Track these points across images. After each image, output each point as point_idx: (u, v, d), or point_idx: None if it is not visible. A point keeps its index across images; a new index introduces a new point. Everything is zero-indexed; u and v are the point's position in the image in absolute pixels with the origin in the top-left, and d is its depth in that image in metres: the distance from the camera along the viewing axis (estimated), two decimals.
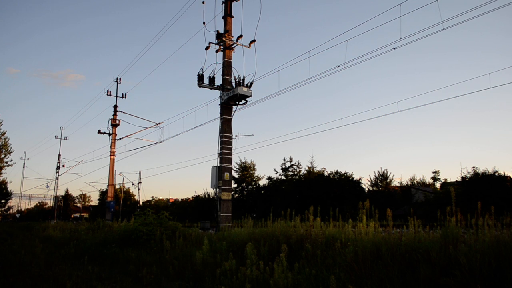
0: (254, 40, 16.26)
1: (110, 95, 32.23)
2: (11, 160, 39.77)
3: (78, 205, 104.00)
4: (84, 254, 10.68)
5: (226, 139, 15.57)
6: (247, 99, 15.43)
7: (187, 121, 66.57)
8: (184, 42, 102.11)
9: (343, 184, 41.61)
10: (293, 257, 6.76)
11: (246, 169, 50.55)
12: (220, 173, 15.27)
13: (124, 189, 65.26)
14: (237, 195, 49.27)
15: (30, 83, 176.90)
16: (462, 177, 33.26)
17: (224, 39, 15.89)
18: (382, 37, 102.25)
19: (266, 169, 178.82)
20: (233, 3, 16.50)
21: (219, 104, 15.97)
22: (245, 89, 15.04)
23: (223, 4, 16.46)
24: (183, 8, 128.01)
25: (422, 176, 54.19)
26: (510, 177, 30.19)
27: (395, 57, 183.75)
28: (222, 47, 16.10)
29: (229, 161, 15.56)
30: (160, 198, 74.54)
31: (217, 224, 14.97)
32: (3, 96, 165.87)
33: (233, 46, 16.19)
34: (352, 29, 57.10)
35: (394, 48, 13.16)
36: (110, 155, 31.14)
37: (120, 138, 31.60)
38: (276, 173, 48.08)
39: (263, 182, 49.71)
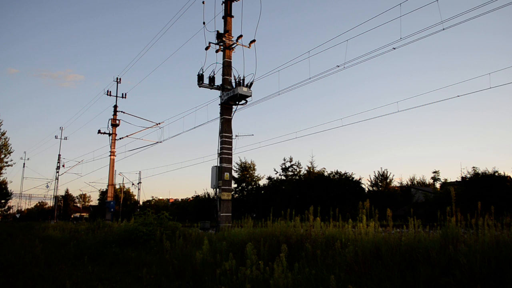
0: (254, 40, 16.28)
1: (110, 95, 32.25)
2: (11, 160, 39.68)
3: (78, 205, 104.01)
4: (84, 254, 10.68)
5: (226, 139, 15.57)
6: (247, 99, 15.44)
7: (187, 121, 66.53)
8: (184, 42, 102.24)
9: (343, 184, 41.58)
10: (293, 257, 6.76)
11: (246, 169, 50.53)
12: (220, 173, 15.27)
13: (124, 189, 65.32)
14: (237, 195, 49.26)
15: (29, 83, 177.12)
16: (462, 177, 33.27)
17: (224, 39, 15.89)
18: (382, 37, 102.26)
19: (266, 169, 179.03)
20: (233, 3, 16.51)
21: (219, 104, 15.97)
22: (245, 89, 15.05)
23: (223, 4, 16.46)
24: (183, 8, 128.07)
25: (422, 176, 54.32)
26: (510, 177, 30.17)
27: (395, 57, 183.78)
28: (222, 47, 16.10)
29: (229, 161, 15.56)
30: (160, 198, 74.68)
31: (217, 224, 14.97)
32: (3, 96, 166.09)
33: (233, 46, 16.19)
34: (352, 29, 57.16)
35: (394, 48, 13.18)
36: (110, 155, 31.14)
37: (120, 138, 31.65)
38: (276, 173, 48.15)
39: (263, 182, 49.80)
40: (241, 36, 15.96)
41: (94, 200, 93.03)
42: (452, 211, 5.83)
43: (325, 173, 44.33)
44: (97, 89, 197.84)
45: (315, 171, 45.21)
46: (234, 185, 49.35)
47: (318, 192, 39.35)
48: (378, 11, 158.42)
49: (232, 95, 15.18)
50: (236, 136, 31.67)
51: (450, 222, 5.63)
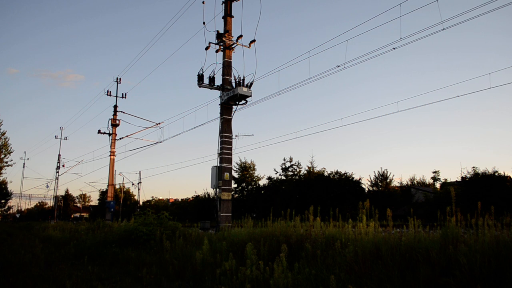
0: (254, 40, 16.28)
1: (110, 95, 32.25)
2: (11, 160, 39.62)
3: (78, 205, 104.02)
4: (84, 254, 10.68)
5: (226, 139, 15.56)
6: (247, 99, 15.44)
7: (187, 121, 66.62)
8: (184, 42, 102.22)
9: (343, 184, 41.58)
10: (293, 257, 6.76)
11: (246, 169, 50.53)
12: (220, 173, 15.27)
13: (124, 189, 65.33)
14: (237, 195, 49.25)
15: (29, 83, 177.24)
16: (462, 177, 33.27)
17: (224, 39, 15.88)
18: (382, 37, 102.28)
19: (266, 169, 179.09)
20: (233, 3, 16.50)
21: (219, 104, 15.97)
22: (245, 89, 15.04)
23: (223, 4, 16.46)
24: (183, 8, 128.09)
25: (422, 176, 54.33)
26: (510, 177, 30.17)
27: (395, 57, 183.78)
28: (222, 47, 16.10)
29: (229, 161, 15.55)
30: (160, 198, 74.69)
31: (217, 224, 14.97)
32: (3, 96, 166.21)
33: (233, 46, 16.19)
34: (352, 29, 57.24)
35: (394, 48, 13.18)
36: (110, 155, 31.14)
37: (120, 138, 31.65)
38: (276, 173, 48.14)
39: (263, 182, 49.79)
40: (241, 36, 15.97)
41: (94, 200, 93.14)
42: (452, 211, 5.83)
43: (325, 173, 44.35)
44: (97, 89, 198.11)
45: (315, 171, 45.21)
46: (234, 185, 49.36)
47: (318, 192, 39.34)
48: (378, 11, 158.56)
49: (232, 95, 15.18)
50: (236, 136, 31.68)
51: (450, 222, 5.63)
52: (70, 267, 9.26)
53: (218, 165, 15.45)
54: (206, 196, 52.22)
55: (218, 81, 16.21)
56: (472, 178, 30.88)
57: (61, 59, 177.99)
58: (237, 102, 15.71)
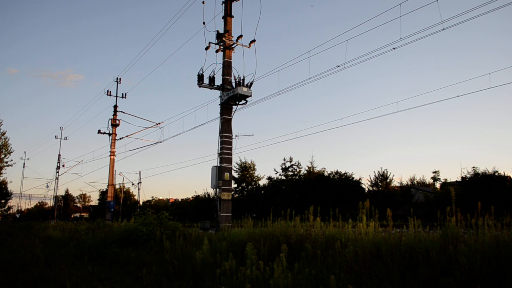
0: (254, 40, 16.28)
1: (110, 95, 32.25)
2: (11, 160, 39.60)
3: (78, 205, 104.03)
4: (84, 254, 10.68)
5: (226, 139, 15.56)
6: (247, 99, 15.44)
7: (187, 121, 66.64)
8: (184, 42, 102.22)
9: (343, 184, 41.58)
10: (293, 257, 6.76)
11: (246, 169, 50.54)
12: (220, 173, 15.27)
13: (124, 189, 65.34)
14: (237, 195, 49.26)
15: (29, 83, 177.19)
16: (462, 177, 33.27)
17: (224, 39, 15.89)
18: (382, 37, 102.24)
19: (266, 169, 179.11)
20: (233, 3, 16.50)
21: (219, 104, 15.97)
22: (245, 89, 15.04)
23: (223, 4, 16.46)
24: (183, 8, 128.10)
25: (422, 176, 54.30)
26: (510, 177, 30.16)
27: (395, 57, 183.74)
28: (222, 47, 16.10)
29: (229, 161, 15.55)
30: (160, 198, 74.72)
31: (217, 224, 14.97)
32: (3, 96, 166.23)
33: (233, 46, 16.19)
34: (352, 29, 57.30)
35: (394, 48, 13.18)
36: (110, 155, 31.14)
37: (120, 138, 31.65)
38: (276, 173, 48.16)
39: (263, 182, 49.81)
40: (241, 36, 15.96)
41: (94, 200, 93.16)
42: (452, 211, 5.83)
43: (325, 173, 44.36)
44: (97, 89, 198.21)
45: (315, 171, 45.21)
46: (234, 185, 49.35)
47: (318, 192, 39.34)
48: (378, 11, 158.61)
49: (232, 95, 15.18)
50: (236, 136, 31.68)
51: (450, 222, 5.63)
52: (70, 267, 9.26)
53: (218, 165, 15.45)
54: (206, 196, 52.25)
55: (218, 81, 16.22)
56: (472, 178, 30.88)
57: (61, 59, 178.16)
58: (237, 102, 15.71)
